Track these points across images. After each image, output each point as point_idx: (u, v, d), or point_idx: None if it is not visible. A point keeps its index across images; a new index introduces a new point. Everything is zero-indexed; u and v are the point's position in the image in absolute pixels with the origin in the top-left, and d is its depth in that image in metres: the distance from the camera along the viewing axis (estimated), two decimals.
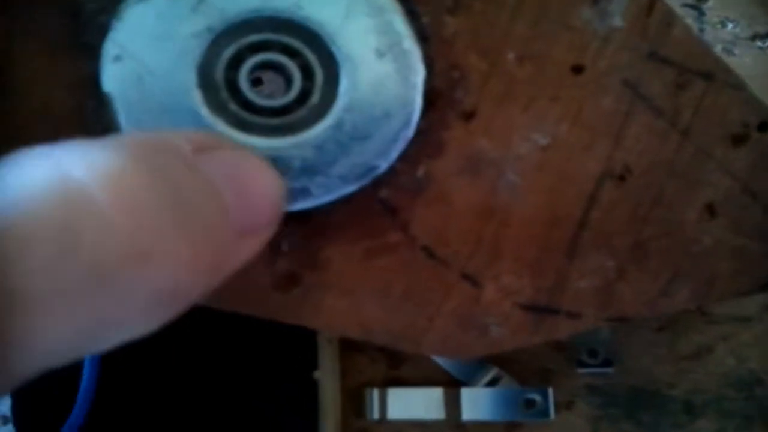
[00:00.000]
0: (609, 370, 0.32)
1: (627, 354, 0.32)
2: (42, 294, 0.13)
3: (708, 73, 0.23)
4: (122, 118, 0.21)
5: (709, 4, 0.35)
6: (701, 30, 0.35)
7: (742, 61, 0.34)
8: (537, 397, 0.31)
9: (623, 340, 0.32)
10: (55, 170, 0.14)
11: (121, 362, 0.29)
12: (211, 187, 0.16)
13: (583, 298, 0.24)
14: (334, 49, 0.22)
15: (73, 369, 0.29)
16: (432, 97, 0.22)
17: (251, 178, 0.18)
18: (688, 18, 0.35)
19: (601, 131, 0.23)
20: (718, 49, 0.34)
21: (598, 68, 0.23)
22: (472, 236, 0.23)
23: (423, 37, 0.22)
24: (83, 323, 0.14)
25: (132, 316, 0.15)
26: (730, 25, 0.35)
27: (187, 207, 0.15)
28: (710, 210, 0.24)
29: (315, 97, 0.22)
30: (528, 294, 0.24)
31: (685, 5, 0.35)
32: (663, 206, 0.24)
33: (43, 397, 0.31)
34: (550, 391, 0.32)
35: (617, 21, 0.22)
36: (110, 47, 0.21)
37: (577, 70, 0.23)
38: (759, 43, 0.35)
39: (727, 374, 0.32)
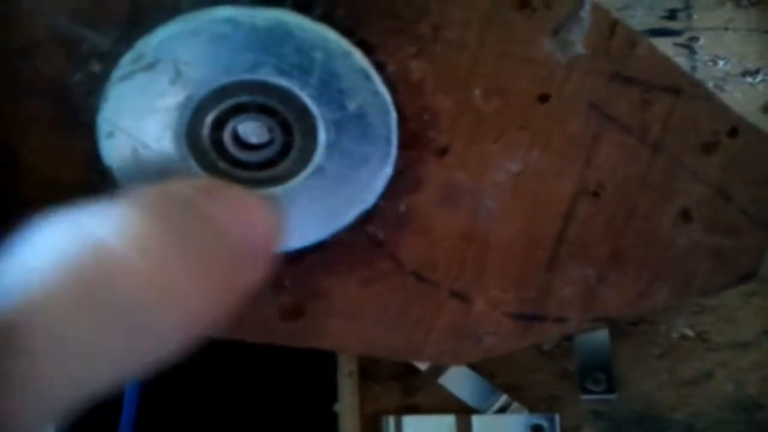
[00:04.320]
0: (613, 396, 0.33)
1: (630, 380, 0.33)
2: (86, 335, 0.16)
3: (675, 87, 0.24)
4: (125, 187, 0.23)
5: (701, 43, 0.35)
6: (693, 68, 0.35)
7: (733, 97, 0.35)
8: (544, 423, 0.33)
9: (626, 366, 0.33)
10: (81, 233, 0.16)
11: (152, 397, 0.31)
12: (215, 225, 0.19)
13: (567, 304, 0.26)
14: (308, 103, 0.23)
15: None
16: (406, 138, 0.24)
17: (249, 215, 0.20)
18: (681, 57, 0.35)
19: (572, 154, 0.24)
20: (710, 85, 0.35)
21: (563, 95, 0.23)
22: (457, 259, 0.25)
23: (391, 84, 0.23)
24: (120, 359, 0.17)
25: (159, 346, 0.17)
26: (721, 63, 0.35)
27: (195, 245, 0.18)
28: (685, 215, 0.25)
29: (296, 149, 0.24)
30: (515, 305, 0.26)
31: (677, 44, 0.35)
32: (638, 216, 0.25)
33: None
34: (557, 417, 0.33)
35: (578, 48, 0.23)
36: (103, 124, 0.23)
37: (544, 99, 0.23)
38: (749, 79, 0.35)
39: (727, 399, 0.33)
